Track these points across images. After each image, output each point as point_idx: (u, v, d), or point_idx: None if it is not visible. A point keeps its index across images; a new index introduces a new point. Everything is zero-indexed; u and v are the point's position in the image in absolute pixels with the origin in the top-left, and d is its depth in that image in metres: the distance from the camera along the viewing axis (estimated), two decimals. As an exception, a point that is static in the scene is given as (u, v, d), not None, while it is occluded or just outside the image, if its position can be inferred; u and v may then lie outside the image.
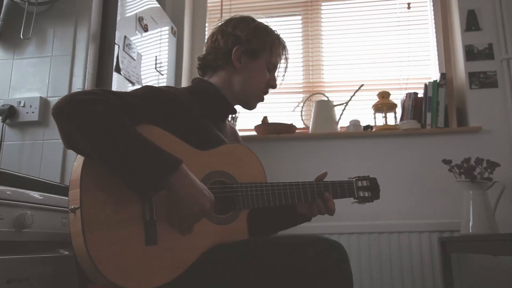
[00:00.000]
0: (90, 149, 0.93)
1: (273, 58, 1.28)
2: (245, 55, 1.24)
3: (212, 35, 1.29)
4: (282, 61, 1.33)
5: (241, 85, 1.25)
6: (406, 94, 2.46)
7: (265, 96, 1.32)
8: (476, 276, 2.12)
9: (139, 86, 1.93)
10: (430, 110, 2.37)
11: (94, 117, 0.92)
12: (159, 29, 2.28)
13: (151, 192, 0.93)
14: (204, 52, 1.30)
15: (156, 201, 0.98)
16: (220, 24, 1.30)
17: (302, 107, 2.63)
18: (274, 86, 1.31)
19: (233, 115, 2.42)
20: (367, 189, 1.33)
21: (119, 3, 1.86)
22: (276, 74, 1.32)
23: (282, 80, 1.35)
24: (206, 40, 1.32)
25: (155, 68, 2.21)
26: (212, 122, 1.21)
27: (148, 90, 1.11)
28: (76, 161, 0.97)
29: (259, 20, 1.31)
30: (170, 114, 1.08)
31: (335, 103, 2.52)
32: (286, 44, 1.34)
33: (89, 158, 0.95)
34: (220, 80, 1.26)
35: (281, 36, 1.33)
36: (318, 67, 2.71)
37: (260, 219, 1.25)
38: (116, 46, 1.82)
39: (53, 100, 1.74)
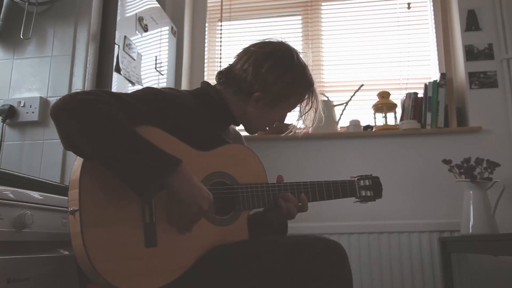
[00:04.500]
0: (89, 150, 0.93)
1: (291, 108, 1.27)
2: (264, 101, 1.20)
3: (245, 60, 1.21)
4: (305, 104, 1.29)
5: (249, 118, 1.24)
6: (406, 94, 2.46)
7: None
8: (476, 276, 2.12)
9: (139, 86, 1.95)
10: (430, 110, 2.37)
11: (93, 117, 0.92)
12: (159, 29, 2.28)
13: (150, 192, 0.92)
14: (231, 64, 1.26)
15: (156, 202, 0.98)
16: (259, 47, 1.22)
17: (302, 107, 2.63)
18: (281, 123, 1.30)
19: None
20: (369, 188, 1.32)
21: (119, 3, 1.86)
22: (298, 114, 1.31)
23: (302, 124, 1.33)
24: (237, 54, 1.25)
25: (155, 68, 2.21)
26: (214, 125, 1.20)
27: (148, 91, 1.10)
28: (76, 161, 0.97)
29: (301, 57, 1.24)
30: (169, 115, 1.08)
31: (335, 103, 2.52)
32: (316, 93, 1.29)
33: (88, 159, 0.94)
34: (232, 99, 1.22)
35: (314, 86, 1.27)
36: (318, 67, 2.71)
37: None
38: (116, 46, 1.82)
39: (53, 100, 1.74)
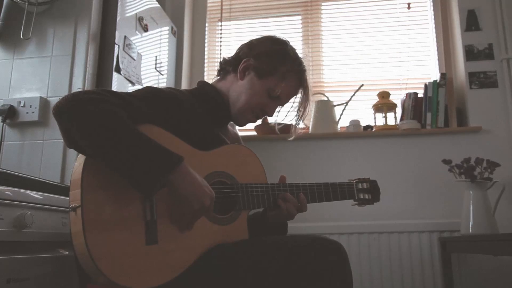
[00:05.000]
0: (92, 148, 0.93)
1: (278, 88, 1.21)
2: (253, 71, 1.22)
3: (245, 43, 1.29)
4: (296, 98, 1.28)
5: (235, 97, 1.23)
6: (406, 94, 2.46)
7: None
8: (476, 276, 2.12)
9: (139, 86, 1.95)
10: (430, 110, 2.37)
11: (95, 116, 0.92)
12: (159, 29, 2.28)
13: (152, 190, 0.93)
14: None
15: (157, 200, 0.99)
16: (261, 36, 1.29)
17: (302, 107, 2.63)
18: (268, 114, 1.27)
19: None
20: (368, 191, 1.33)
21: (119, 3, 1.86)
22: (281, 106, 1.28)
23: (292, 119, 1.31)
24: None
25: (155, 68, 2.21)
26: (214, 124, 1.21)
27: (149, 91, 1.11)
28: (77, 161, 0.97)
29: (297, 48, 1.28)
30: (170, 114, 1.08)
31: (335, 103, 2.52)
32: (309, 87, 1.28)
33: (91, 157, 0.95)
34: (225, 85, 1.26)
35: (305, 75, 1.27)
36: (318, 67, 2.71)
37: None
38: (116, 46, 1.82)
39: (53, 100, 1.74)
